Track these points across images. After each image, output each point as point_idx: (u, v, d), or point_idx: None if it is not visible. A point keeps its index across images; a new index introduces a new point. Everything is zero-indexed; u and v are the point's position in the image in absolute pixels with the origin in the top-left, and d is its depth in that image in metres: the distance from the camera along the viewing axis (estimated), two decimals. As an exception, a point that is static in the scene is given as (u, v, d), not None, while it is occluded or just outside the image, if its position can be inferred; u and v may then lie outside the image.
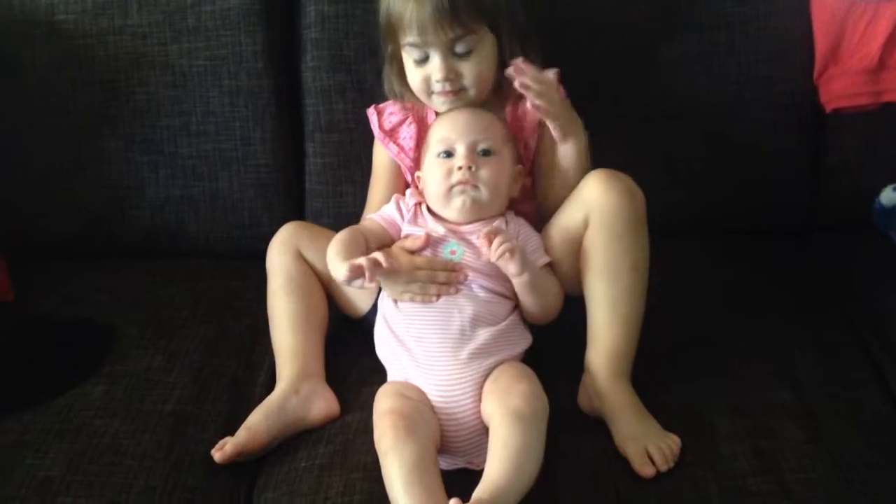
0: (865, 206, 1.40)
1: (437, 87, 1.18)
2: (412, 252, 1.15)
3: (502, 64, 1.17)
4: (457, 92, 1.19)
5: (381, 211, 1.22)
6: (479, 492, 0.94)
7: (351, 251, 1.12)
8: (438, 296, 1.11)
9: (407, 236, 1.18)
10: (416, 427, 1.00)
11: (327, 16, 1.38)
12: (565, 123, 1.13)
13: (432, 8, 1.13)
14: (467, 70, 1.17)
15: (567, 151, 1.15)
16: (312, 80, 1.39)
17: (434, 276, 1.11)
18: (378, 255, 1.07)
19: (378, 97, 1.33)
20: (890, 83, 1.35)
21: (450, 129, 1.16)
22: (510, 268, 1.08)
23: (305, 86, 1.40)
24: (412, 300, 1.12)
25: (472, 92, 1.19)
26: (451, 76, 1.17)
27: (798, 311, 1.28)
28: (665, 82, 1.38)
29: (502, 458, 0.96)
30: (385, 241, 1.18)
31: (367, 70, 1.37)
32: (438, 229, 1.16)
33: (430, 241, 1.15)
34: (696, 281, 1.31)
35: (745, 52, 1.37)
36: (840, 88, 1.36)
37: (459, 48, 1.16)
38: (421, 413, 1.03)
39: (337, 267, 1.11)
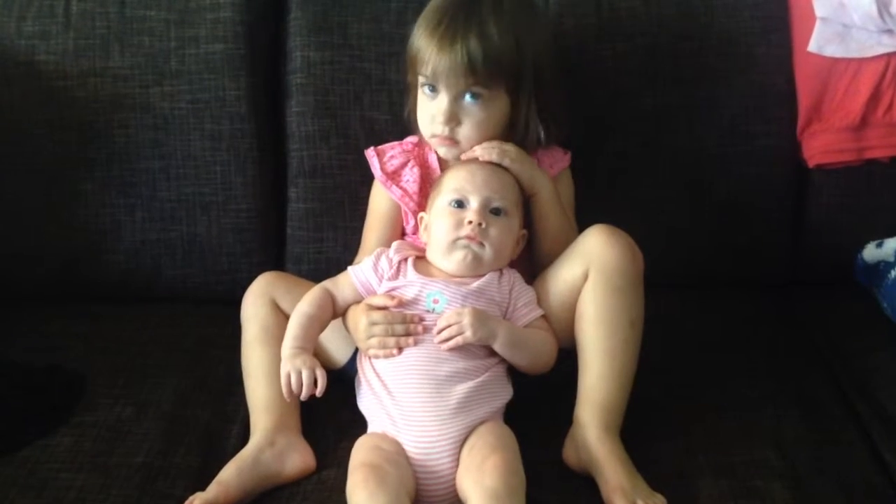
0: (848, 262, 1.39)
1: (437, 128, 1.18)
2: (377, 308, 1.13)
3: (512, 126, 1.18)
4: (452, 140, 1.19)
5: (358, 271, 1.18)
6: None
7: (308, 335, 1.12)
8: (400, 349, 1.10)
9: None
10: (387, 478, 0.98)
11: (313, 62, 1.38)
12: (528, 178, 1.18)
13: (450, 60, 1.14)
14: (468, 121, 1.17)
15: (538, 200, 1.20)
16: (297, 126, 1.39)
17: (390, 330, 1.10)
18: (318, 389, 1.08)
19: (362, 143, 1.33)
20: (873, 140, 1.37)
21: (467, 181, 1.15)
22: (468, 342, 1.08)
23: (290, 131, 1.39)
24: (375, 356, 1.11)
25: (463, 145, 1.19)
26: (452, 123, 1.17)
27: (781, 368, 1.26)
28: (647, 136, 1.38)
29: None
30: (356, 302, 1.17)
31: (353, 116, 1.37)
32: (421, 282, 1.14)
33: (404, 302, 1.13)
34: (677, 336, 1.29)
35: (727, 107, 1.38)
36: (823, 145, 1.37)
37: (469, 96, 1.16)
38: (393, 463, 1.01)
39: (284, 361, 1.10)
